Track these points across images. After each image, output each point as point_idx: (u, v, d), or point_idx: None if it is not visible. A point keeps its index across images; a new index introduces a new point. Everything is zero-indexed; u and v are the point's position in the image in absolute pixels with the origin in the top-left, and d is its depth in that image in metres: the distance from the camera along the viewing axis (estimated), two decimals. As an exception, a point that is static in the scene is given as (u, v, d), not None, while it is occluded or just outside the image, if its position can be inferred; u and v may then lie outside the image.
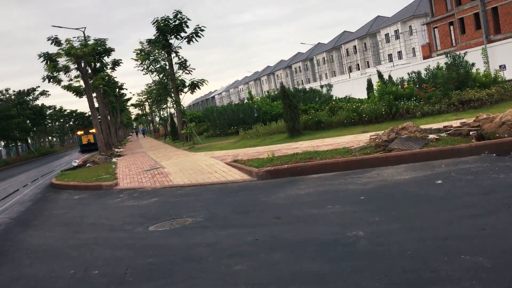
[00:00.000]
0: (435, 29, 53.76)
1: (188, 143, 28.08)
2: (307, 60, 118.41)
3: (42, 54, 30.46)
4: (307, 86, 50.38)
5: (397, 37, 79.59)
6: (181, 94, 33.93)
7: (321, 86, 30.64)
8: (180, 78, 33.49)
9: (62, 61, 29.71)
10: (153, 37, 33.06)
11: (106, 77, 35.42)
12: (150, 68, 30.75)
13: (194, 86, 34.53)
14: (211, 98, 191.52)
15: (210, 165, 14.69)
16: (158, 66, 31.26)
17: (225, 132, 28.41)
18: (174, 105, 34.20)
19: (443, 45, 52.26)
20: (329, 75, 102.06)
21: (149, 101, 61.25)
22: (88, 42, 32.60)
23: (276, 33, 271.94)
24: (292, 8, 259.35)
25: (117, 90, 52.16)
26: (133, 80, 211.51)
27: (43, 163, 43.77)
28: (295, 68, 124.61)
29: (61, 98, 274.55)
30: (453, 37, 50.92)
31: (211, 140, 27.62)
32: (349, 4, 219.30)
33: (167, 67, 32.41)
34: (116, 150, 36.81)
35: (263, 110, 28.48)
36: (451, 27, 50.68)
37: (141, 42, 30.79)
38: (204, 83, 34.55)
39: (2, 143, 62.48)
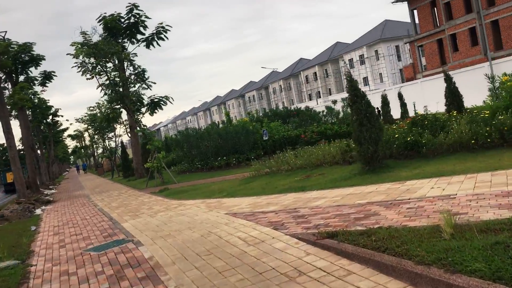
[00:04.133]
0: (420, 47, 48.34)
1: (153, 183, 19.17)
2: (261, 89, 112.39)
3: None
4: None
5: (362, 63, 74.79)
6: (138, 116, 25.01)
7: (334, 102, 22.91)
8: (136, 93, 24.62)
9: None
10: (99, 39, 24.00)
11: (29, 92, 25.90)
12: (97, 70, 21.55)
13: (155, 105, 25.79)
14: (156, 130, 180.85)
15: (257, 243, 6.18)
16: (109, 68, 22.20)
17: (209, 165, 19.73)
18: (128, 130, 25.20)
19: (431, 65, 46.76)
20: (287, 103, 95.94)
21: (89, 129, 51.02)
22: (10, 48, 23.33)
23: (219, 67, 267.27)
24: (233, 44, 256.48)
25: (50, 116, 42.03)
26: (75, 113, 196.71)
27: None
28: (249, 97, 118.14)
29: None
30: (443, 56, 45.52)
31: (190, 178, 18.84)
32: (287, 40, 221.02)
33: (117, 77, 23.23)
34: (46, 192, 26.96)
35: (260, 133, 20.25)
36: (441, 45, 45.32)
37: (83, 33, 21.52)
38: (168, 101, 25.94)
39: None
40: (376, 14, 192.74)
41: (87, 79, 21.29)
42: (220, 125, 25.46)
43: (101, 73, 21.66)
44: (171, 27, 25.50)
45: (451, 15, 42.84)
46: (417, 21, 48.22)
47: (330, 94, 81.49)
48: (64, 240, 9.40)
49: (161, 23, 25.24)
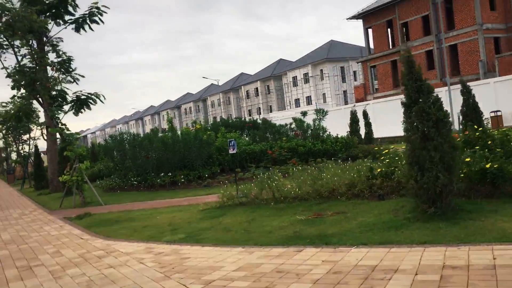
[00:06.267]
0: (373, 68, 46.51)
1: (70, 201, 14.25)
2: (199, 101, 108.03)
3: None
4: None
5: (307, 81, 72.87)
6: (56, 112, 19.78)
7: (303, 113, 19.24)
8: (57, 84, 19.51)
9: None
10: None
11: None
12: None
13: (81, 103, 20.77)
14: (82, 137, 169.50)
15: None
16: (17, 42, 16.83)
17: (149, 183, 15.09)
18: (43, 130, 19.95)
19: (383, 86, 44.99)
20: (225, 118, 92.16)
21: (3, 130, 43.90)
22: None
23: (153, 77, 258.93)
24: (169, 55, 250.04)
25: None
26: None
27: None
28: (185, 109, 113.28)
29: None
30: (397, 78, 43.85)
31: (122, 198, 14.11)
32: (224, 56, 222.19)
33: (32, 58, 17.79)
34: None
35: (216, 145, 16.07)
36: (395, 67, 43.64)
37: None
38: (99, 99, 21.05)
39: None
40: (314, 39, 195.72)
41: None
42: (160, 134, 20.83)
43: (4, 45, 16.39)
44: (109, 8, 20.78)
45: (408, 36, 41.41)
46: (371, 40, 46.57)
47: (271, 111, 78.86)
48: None
49: (96, 3, 20.45)
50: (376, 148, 14.52)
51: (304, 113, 18.88)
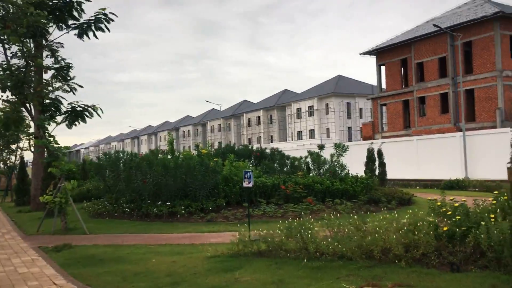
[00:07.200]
0: (383, 106, 45.08)
1: (50, 225, 12.23)
2: (199, 125, 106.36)
3: None
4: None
5: (311, 114, 71.51)
6: (48, 125, 17.82)
7: (320, 147, 17.45)
8: (50, 91, 17.74)
9: None
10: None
11: None
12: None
13: (76, 114, 18.93)
14: (75, 151, 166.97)
15: None
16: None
17: (143, 212, 13.04)
18: (30, 140, 18.02)
19: (392, 126, 43.44)
20: (224, 144, 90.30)
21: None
22: None
23: (154, 98, 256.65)
24: (172, 77, 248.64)
25: None
26: None
27: None
28: (183, 132, 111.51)
29: None
30: (407, 119, 42.37)
31: (110, 227, 12.06)
32: (226, 83, 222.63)
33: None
34: None
35: (223, 174, 14.18)
36: (406, 107, 42.21)
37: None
38: (96, 112, 19.19)
39: None
40: (317, 73, 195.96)
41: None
42: (159, 156, 18.91)
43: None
44: (117, 16, 19.23)
45: (423, 77, 40.17)
46: (383, 78, 45.35)
47: (272, 141, 77.25)
48: None
49: (104, 9, 18.89)
50: (437, 200, 12.67)
51: (321, 147, 17.11)
